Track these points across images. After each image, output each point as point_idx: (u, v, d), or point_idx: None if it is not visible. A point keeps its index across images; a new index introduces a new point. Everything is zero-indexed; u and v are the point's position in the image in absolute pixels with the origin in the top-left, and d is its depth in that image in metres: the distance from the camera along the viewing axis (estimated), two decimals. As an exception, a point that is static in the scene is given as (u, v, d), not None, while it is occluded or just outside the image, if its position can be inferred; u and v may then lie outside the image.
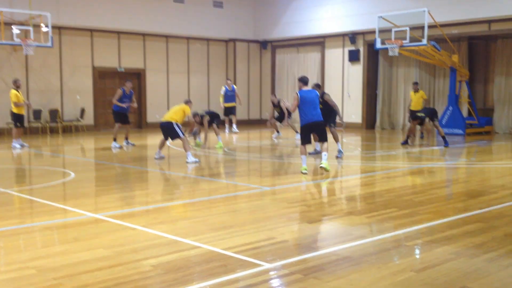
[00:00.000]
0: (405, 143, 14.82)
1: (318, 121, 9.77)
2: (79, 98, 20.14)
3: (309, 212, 6.78)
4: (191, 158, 11.23)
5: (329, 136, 10.51)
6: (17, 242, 5.45)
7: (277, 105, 16.68)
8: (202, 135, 14.94)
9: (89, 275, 4.35)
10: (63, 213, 6.64)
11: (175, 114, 11.68)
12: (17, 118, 14.58)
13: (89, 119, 20.41)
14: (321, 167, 9.70)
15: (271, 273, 4.42)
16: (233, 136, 18.25)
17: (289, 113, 14.70)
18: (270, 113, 17.26)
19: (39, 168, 11.08)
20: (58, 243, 5.38)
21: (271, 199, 7.57)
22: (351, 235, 5.63)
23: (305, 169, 9.66)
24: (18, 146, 14.35)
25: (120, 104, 14.61)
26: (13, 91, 14.32)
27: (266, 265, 4.56)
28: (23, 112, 14.69)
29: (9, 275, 4.40)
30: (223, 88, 19.50)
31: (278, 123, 17.00)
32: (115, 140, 14.43)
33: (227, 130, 19.67)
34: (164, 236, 5.50)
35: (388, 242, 5.37)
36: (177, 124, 11.53)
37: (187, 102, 12.19)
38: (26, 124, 18.65)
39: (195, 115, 13.69)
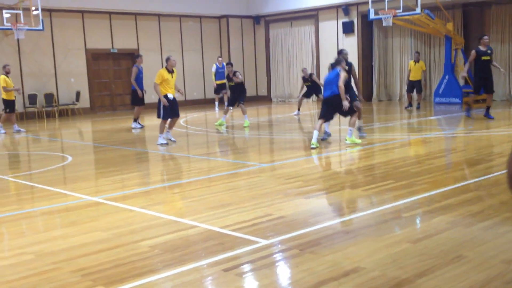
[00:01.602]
0: (408, 106, 16.23)
1: (332, 95, 9.76)
2: (74, 81, 20.04)
3: (306, 187, 6.79)
4: (160, 140, 11.03)
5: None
6: (16, 227, 5.47)
7: (308, 79, 16.49)
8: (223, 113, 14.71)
9: (87, 258, 4.37)
10: (61, 197, 6.64)
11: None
12: (7, 104, 14.53)
13: (84, 102, 20.34)
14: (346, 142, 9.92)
15: (268, 249, 4.44)
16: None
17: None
18: (301, 88, 17.24)
19: (36, 153, 11.07)
20: (56, 228, 5.40)
21: (269, 176, 7.58)
22: (347, 208, 5.65)
23: (314, 144, 9.60)
24: (2, 131, 14.35)
25: (135, 85, 14.46)
26: (2, 76, 14.27)
27: (263, 242, 4.58)
28: (13, 97, 14.60)
29: (8, 261, 4.43)
30: (214, 66, 19.38)
31: (305, 100, 16.68)
32: (135, 120, 14.48)
33: (217, 108, 19.61)
34: (161, 216, 5.52)
35: (384, 214, 5.39)
36: (159, 100, 10.83)
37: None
38: (22, 109, 18.60)
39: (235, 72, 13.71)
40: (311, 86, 16.54)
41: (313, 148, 9.61)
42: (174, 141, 11.21)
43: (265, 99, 24.61)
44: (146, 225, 5.27)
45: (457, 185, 6.43)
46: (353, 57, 20.94)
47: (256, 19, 24.23)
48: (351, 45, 21.13)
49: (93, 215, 5.75)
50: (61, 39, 19.64)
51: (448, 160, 8.53)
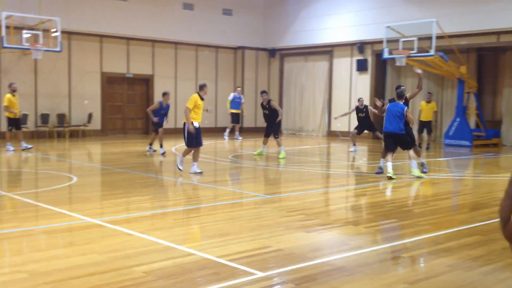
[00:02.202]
0: (418, 146, 15.45)
1: (394, 132, 10.34)
2: (87, 103, 20.24)
3: (307, 221, 6.74)
4: (179, 164, 10.75)
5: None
6: (14, 245, 5.46)
7: (362, 110, 16.03)
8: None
9: (80, 280, 4.34)
10: (62, 217, 6.64)
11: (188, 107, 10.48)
12: (10, 122, 14.66)
13: (96, 124, 20.49)
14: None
15: (264, 282, 4.39)
16: (237, 143, 18.24)
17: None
18: (344, 115, 17.48)
19: (43, 172, 11.12)
20: (53, 248, 5.38)
21: (271, 207, 7.53)
22: (347, 245, 5.58)
23: (391, 173, 10.08)
24: (11, 149, 14.45)
25: (152, 117, 14.18)
26: (7, 96, 14.45)
27: (259, 274, 4.53)
28: (17, 115, 14.67)
29: (1, 278, 4.40)
30: (232, 94, 19.64)
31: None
32: (161, 146, 14.18)
33: (226, 137, 19.67)
34: (159, 242, 5.49)
35: (384, 253, 5.32)
36: (185, 124, 10.40)
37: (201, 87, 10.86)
38: (33, 127, 18.78)
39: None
40: (365, 118, 16.12)
41: (390, 178, 9.99)
42: (200, 172, 10.51)
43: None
44: (142, 250, 5.24)
45: (460, 228, 6.34)
46: (365, 95, 21.05)
47: (272, 52, 24.47)
48: (364, 83, 21.23)
49: (91, 237, 5.72)
50: (78, 61, 19.93)
51: (453, 203, 8.44)
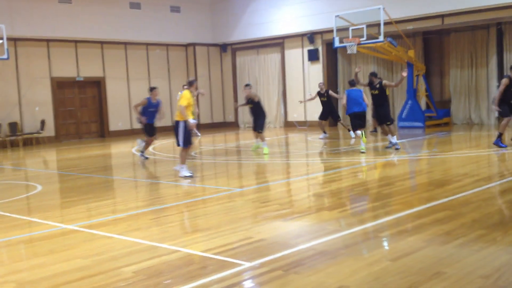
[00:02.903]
0: (374, 131, 17.07)
1: (362, 111, 12.54)
2: (38, 110, 19.76)
3: (282, 210, 6.88)
4: (184, 172, 9.89)
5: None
6: (-9, 258, 5.36)
7: (323, 94, 16.45)
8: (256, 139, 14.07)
9: (70, 285, 4.33)
10: (36, 226, 6.54)
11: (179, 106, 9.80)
12: None
13: (50, 130, 20.04)
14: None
15: (253, 271, 4.49)
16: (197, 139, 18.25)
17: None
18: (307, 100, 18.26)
19: (3, 183, 10.83)
20: (35, 256, 5.32)
21: (244, 200, 7.64)
22: (325, 229, 5.75)
23: (362, 149, 12.05)
24: None
25: (139, 117, 12.79)
26: None
27: (247, 264, 4.63)
28: None
29: (-12, 291, 4.34)
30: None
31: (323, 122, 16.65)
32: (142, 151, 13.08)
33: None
34: (141, 242, 5.51)
35: (362, 234, 5.52)
36: (179, 123, 9.83)
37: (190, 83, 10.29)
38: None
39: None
40: (327, 103, 16.45)
41: (363, 153, 11.84)
42: (191, 176, 9.88)
43: (233, 125, 24.74)
44: (127, 251, 5.25)
45: (429, 205, 6.62)
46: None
47: (223, 47, 24.50)
48: (316, 72, 21.57)
49: (71, 243, 5.68)
50: (25, 67, 19.41)
51: (417, 182, 8.77)
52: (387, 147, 12.79)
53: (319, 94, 16.62)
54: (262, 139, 13.30)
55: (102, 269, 4.70)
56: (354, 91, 12.62)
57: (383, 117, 12.76)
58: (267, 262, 4.67)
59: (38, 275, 4.63)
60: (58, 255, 5.22)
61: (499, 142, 11.73)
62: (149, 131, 12.97)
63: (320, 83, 17.03)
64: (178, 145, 9.95)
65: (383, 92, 12.79)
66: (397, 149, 12.36)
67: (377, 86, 12.82)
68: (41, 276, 4.61)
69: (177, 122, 9.85)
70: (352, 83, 13.05)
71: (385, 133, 12.96)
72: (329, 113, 16.69)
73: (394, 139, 12.55)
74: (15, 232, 6.26)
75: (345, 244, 5.18)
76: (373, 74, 13.18)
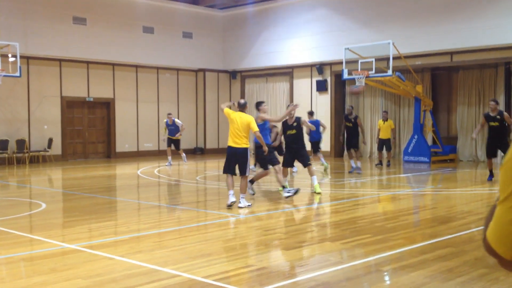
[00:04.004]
0: (379, 164, 17.38)
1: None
2: (47, 128, 19.91)
3: (285, 239, 6.86)
4: (244, 202, 9.02)
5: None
6: (-8, 274, 5.37)
7: (350, 120, 15.34)
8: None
9: (70, 305, 4.33)
10: (39, 244, 6.56)
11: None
12: None
13: (57, 149, 20.16)
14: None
15: (253, 299, 4.48)
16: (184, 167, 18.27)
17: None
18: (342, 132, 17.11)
19: (8, 199, 10.88)
20: (35, 274, 5.32)
21: (247, 227, 7.63)
22: (328, 261, 5.73)
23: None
24: None
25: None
26: None
27: (247, 292, 4.62)
28: None
29: (-13, 307, 4.34)
30: (165, 120, 18.42)
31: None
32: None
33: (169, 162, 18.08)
34: (142, 265, 5.50)
35: (364, 267, 5.49)
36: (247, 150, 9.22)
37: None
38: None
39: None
40: (352, 129, 15.31)
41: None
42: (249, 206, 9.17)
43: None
44: (127, 273, 5.24)
45: (432, 241, 6.59)
46: (326, 114, 21.51)
47: (233, 74, 24.74)
48: (324, 103, 21.69)
49: (73, 263, 5.68)
50: (37, 86, 19.64)
51: (421, 217, 8.74)
52: (350, 171, 14.94)
53: (346, 118, 15.54)
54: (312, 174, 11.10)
55: (102, 290, 4.70)
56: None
57: (354, 144, 15.07)
58: (267, 291, 4.65)
59: (38, 294, 4.63)
60: (59, 274, 5.22)
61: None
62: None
63: (350, 106, 16.23)
64: (244, 174, 9.14)
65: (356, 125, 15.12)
66: (358, 173, 14.45)
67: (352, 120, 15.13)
68: (41, 294, 4.61)
69: (246, 149, 9.12)
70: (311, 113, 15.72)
71: (350, 157, 15.20)
72: (355, 140, 15.37)
73: (357, 164, 14.86)
74: (17, 249, 6.27)
75: (347, 276, 5.16)
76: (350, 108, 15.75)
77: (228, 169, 9.15)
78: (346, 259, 5.90)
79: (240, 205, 9.00)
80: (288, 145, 11.07)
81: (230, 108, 9.61)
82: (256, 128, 9.04)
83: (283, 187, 10.06)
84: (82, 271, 5.35)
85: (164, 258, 5.84)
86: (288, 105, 10.84)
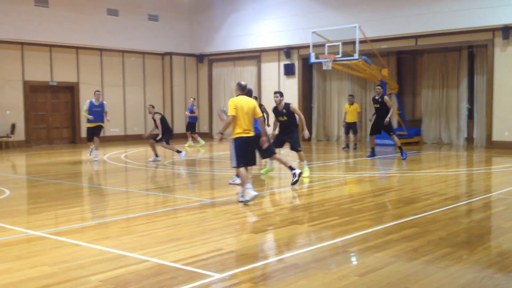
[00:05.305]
0: (346, 147, 17.39)
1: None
2: (9, 113, 19.43)
3: (254, 222, 6.90)
4: (251, 192, 7.97)
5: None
6: (-45, 262, 5.24)
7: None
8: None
9: (36, 292, 4.27)
10: (2, 231, 6.42)
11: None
12: None
13: (20, 135, 19.71)
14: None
15: (222, 283, 4.49)
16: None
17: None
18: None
19: (-30, 186, 10.60)
20: (1, 262, 5.22)
21: (216, 211, 7.63)
22: (296, 243, 5.79)
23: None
24: None
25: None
26: None
27: (216, 275, 4.63)
28: None
29: (-50, 296, 4.25)
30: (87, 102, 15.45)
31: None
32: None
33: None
34: (110, 251, 5.46)
35: (331, 248, 5.57)
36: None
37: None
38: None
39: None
40: (380, 110, 14.48)
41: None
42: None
43: (207, 136, 24.69)
44: (94, 259, 5.20)
45: (397, 221, 6.72)
46: (294, 98, 21.57)
47: (200, 58, 24.54)
48: (292, 86, 21.74)
49: (38, 249, 5.60)
50: (-2, 69, 19.11)
51: (387, 198, 8.89)
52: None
53: (374, 100, 14.72)
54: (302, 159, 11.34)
55: (69, 277, 4.65)
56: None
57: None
58: (236, 274, 4.68)
59: (3, 281, 4.55)
60: (25, 262, 5.14)
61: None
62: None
63: (377, 86, 15.03)
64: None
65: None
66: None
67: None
68: (6, 282, 4.53)
69: (257, 137, 8.47)
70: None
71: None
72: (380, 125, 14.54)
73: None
74: (-19, 237, 6.14)
75: (315, 258, 5.22)
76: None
77: (245, 161, 8.17)
78: (313, 241, 5.97)
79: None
80: (281, 131, 11.11)
81: (222, 113, 8.96)
82: (260, 114, 8.29)
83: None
84: (48, 258, 5.28)
85: (132, 243, 5.80)
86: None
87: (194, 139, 19.83)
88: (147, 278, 4.63)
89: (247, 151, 8.13)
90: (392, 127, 14.97)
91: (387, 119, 14.33)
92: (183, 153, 14.19)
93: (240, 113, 7.96)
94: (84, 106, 14.97)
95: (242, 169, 8.13)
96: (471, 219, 7.12)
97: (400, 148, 14.44)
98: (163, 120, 14.26)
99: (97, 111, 14.71)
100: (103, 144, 19.54)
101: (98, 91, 15.16)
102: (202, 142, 19.78)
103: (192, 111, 19.70)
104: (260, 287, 4.35)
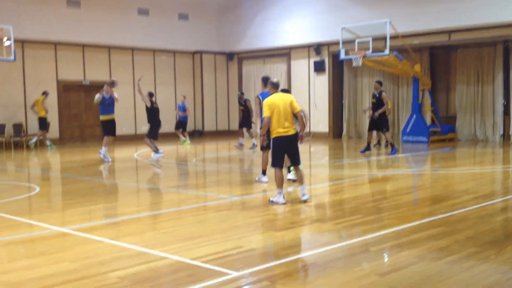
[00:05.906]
0: (377, 144, 16.95)
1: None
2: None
3: (276, 220, 6.83)
4: (280, 198, 7.82)
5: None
6: (-20, 258, 5.35)
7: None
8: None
9: (55, 288, 4.31)
10: (29, 228, 6.53)
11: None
12: None
13: (54, 133, 20.09)
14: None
15: (239, 281, 4.45)
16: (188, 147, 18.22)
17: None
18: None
19: (3, 183, 10.84)
20: (24, 258, 5.30)
21: (239, 209, 7.60)
22: (318, 241, 5.70)
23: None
24: None
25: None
26: None
27: (234, 274, 4.59)
28: None
29: (-28, 291, 4.32)
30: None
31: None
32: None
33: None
34: (131, 248, 5.48)
35: (353, 247, 5.46)
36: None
37: None
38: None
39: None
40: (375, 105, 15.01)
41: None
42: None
43: (237, 134, 24.70)
44: (115, 256, 5.22)
45: (424, 220, 6.55)
46: (324, 95, 21.39)
47: (230, 56, 24.57)
48: (322, 83, 21.55)
49: (61, 246, 5.66)
50: (32, 69, 19.50)
51: (415, 197, 8.70)
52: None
53: (372, 95, 15.19)
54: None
55: (89, 273, 4.67)
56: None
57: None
58: (254, 273, 4.62)
59: (24, 277, 4.61)
60: (47, 258, 5.20)
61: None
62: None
63: (376, 82, 15.37)
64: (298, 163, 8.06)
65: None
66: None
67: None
68: (27, 277, 4.59)
69: (296, 135, 7.99)
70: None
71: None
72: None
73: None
74: (8, 232, 6.25)
75: (335, 257, 5.12)
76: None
77: (280, 162, 7.90)
78: (335, 239, 5.87)
79: (304, 197, 7.94)
80: None
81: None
82: (298, 108, 7.94)
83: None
84: (71, 254, 5.33)
85: (153, 240, 5.82)
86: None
87: (184, 136, 19.53)
88: (165, 275, 4.62)
89: (286, 151, 7.88)
90: (386, 124, 15.17)
91: (376, 114, 14.70)
92: (161, 153, 14.32)
93: (275, 112, 7.74)
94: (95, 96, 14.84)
95: (277, 171, 7.85)
96: (502, 218, 6.89)
97: (391, 144, 14.67)
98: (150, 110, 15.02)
99: (110, 104, 14.69)
100: (134, 142, 19.76)
101: (109, 83, 15.00)
102: (188, 142, 19.47)
103: (184, 110, 19.43)
104: (277, 285, 4.28)
